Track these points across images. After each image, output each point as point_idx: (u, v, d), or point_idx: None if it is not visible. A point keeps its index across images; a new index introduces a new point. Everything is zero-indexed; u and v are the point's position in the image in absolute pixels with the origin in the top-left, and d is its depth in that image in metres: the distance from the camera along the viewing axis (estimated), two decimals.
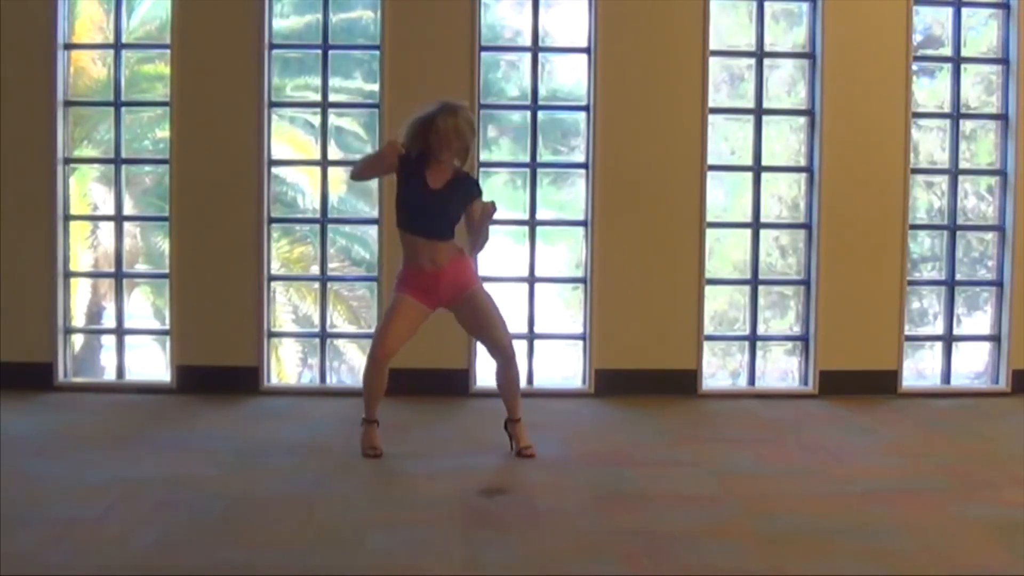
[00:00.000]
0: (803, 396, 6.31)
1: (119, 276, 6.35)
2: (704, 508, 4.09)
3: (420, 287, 4.74)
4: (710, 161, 6.26)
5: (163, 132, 6.27)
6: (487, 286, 4.98)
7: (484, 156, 6.29)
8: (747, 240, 6.43)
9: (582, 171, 6.28)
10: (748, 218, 6.42)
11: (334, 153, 6.38)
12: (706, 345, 6.36)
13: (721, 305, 6.56)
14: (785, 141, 6.54)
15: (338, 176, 6.43)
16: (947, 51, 6.47)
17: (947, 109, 6.47)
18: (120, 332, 6.34)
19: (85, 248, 6.48)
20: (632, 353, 6.25)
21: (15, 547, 3.51)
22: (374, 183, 6.09)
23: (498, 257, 6.37)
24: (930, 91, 6.57)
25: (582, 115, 6.27)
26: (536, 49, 6.27)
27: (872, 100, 6.26)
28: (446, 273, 4.72)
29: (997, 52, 6.46)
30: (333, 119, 6.37)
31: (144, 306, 6.68)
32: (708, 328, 6.38)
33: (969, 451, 5.12)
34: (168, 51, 6.15)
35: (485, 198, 4.78)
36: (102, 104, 6.34)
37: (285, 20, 6.39)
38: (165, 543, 3.62)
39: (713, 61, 6.28)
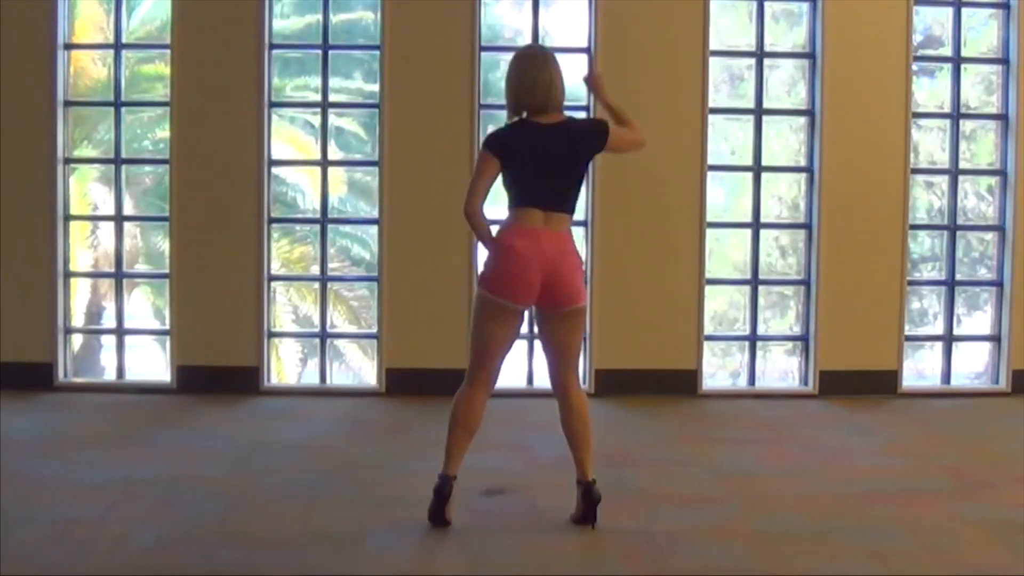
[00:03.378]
0: (803, 396, 6.31)
1: (119, 276, 6.35)
2: (704, 508, 4.09)
3: None
4: (710, 161, 6.27)
5: (163, 132, 6.28)
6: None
7: None
8: (747, 240, 6.43)
9: None
10: (748, 218, 6.42)
11: (334, 153, 6.38)
12: (706, 345, 6.36)
13: (721, 305, 6.57)
14: (785, 141, 6.54)
15: (338, 176, 6.44)
16: (947, 51, 6.47)
17: (947, 109, 6.47)
18: (120, 332, 6.34)
19: (85, 248, 6.49)
20: (632, 353, 6.25)
21: (15, 547, 3.51)
22: (375, 184, 6.09)
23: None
24: (930, 91, 6.57)
25: (582, 115, 6.26)
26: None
27: (872, 100, 6.26)
28: None
29: (997, 52, 6.46)
30: (333, 119, 6.38)
31: (144, 306, 6.69)
32: (708, 328, 6.38)
33: (969, 451, 5.12)
34: (168, 51, 6.16)
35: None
36: (102, 104, 6.34)
37: (285, 20, 6.40)
38: (165, 543, 3.62)
39: (713, 61, 6.28)
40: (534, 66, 3.81)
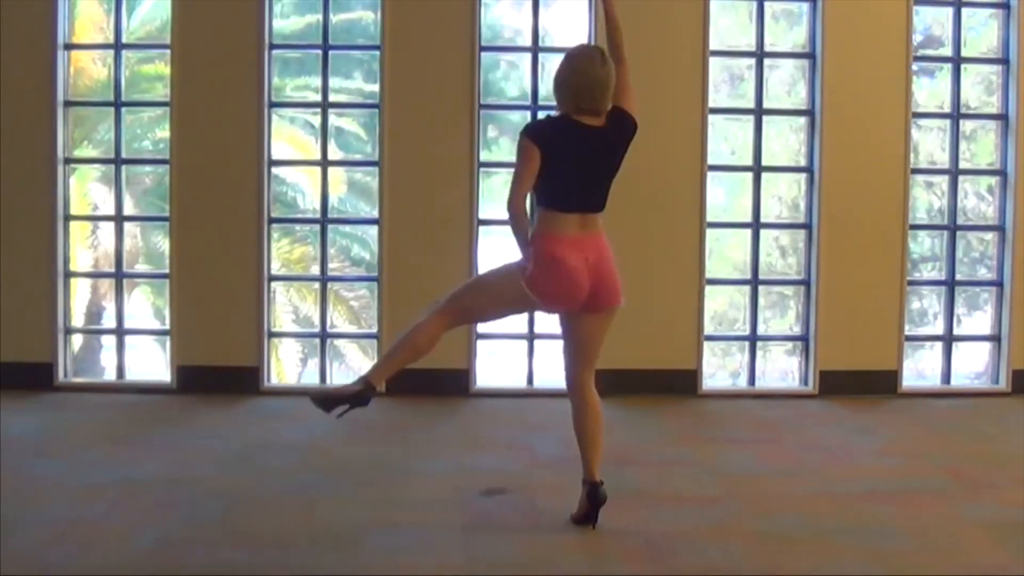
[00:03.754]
0: (803, 396, 6.31)
1: (119, 276, 6.35)
2: (704, 508, 4.09)
3: None
4: (710, 161, 6.26)
5: (163, 132, 6.28)
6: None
7: (484, 156, 6.28)
8: (747, 240, 6.43)
9: None
10: (748, 218, 6.42)
11: (334, 153, 6.38)
12: (706, 345, 6.36)
13: (721, 305, 6.57)
14: (785, 141, 6.54)
15: (338, 176, 6.43)
16: (947, 51, 6.46)
17: (947, 109, 6.47)
18: (120, 332, 6.34)
19: (85, 248, 6.48)
20: (632, 353, 6.24)
21: (15, 547, 3.52)
22: (375, 184, 6.08)
23: (499, 257, 6.38)
24: (930, 91, 6.57)
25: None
26: (536, 49, 6.27)
27: (872, 100, 6.26)
28: None
29: (997, 52, 6.45)
30: (333, 119, 6.37)
31: (144, 306, 6.69)
32: (708, 328, 6.38)
33: (969, 451, 5.12)
34: (168, 51, 6.15)
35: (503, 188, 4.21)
36: (102, 104, 6.34)
37: (285, 20, 6.40)
38: (165, 543, 3.62)
39: (713, 61, 6.28)
40: (592, 66, 3.72)
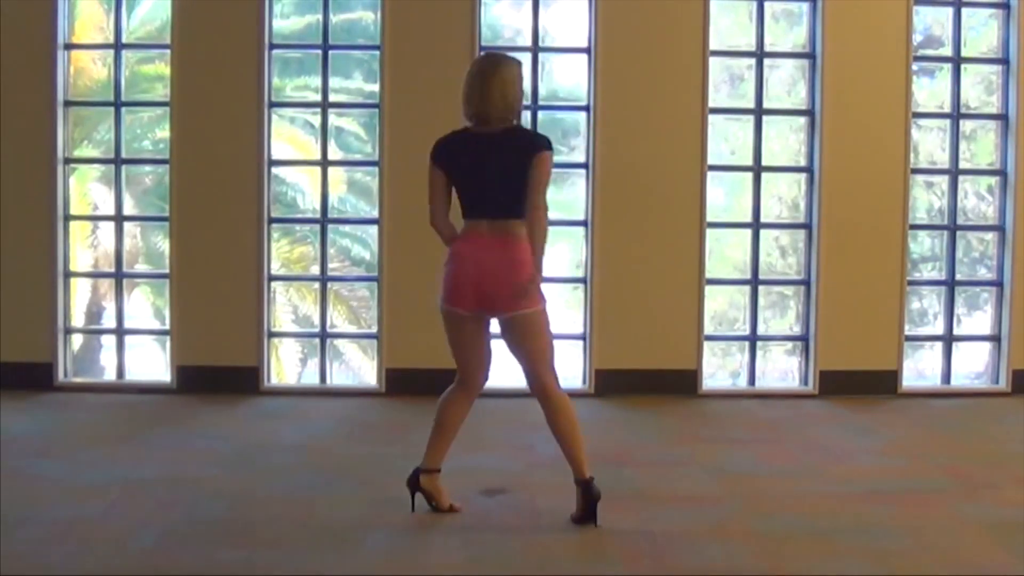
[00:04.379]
0: (803, 396, 6.31)
1: (119, 276, 6.35)
2: (704, 508, 4.09)
3: None
4: (710, 161, 6.26)
5: (163, 132, 6.28)
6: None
7: None
8: (747, 240, 6.43)
9: (582, 171, 6.28)
10: (748, 218, 6.42)
11: (334, 153, 6.38)
12: (706, 345, 6.36)
13: (721, 305, 6.57)
14: (785, 141, 6.54)
15: (338, 176, 6.42)
16: (947, 51, 6.47)
17: (947, 109, 6.47)
18: (120, 332, 6.34)
19: (85, 248, 6.48)
20: (632, 353, 6.25)
21: (15, 547, 3.51)
22: (375, 184, 6.07)
23: None
24: (930, 91, 6.57)
25: (582, 115, 6.26)
26: (536, 49, 6.27)
27: (872, 100, 6.26)
28: None
29: (997, 52, 6.46)
30: (333, 119, 6.37)
31: (144, 306, 6.68)
32: (708, 328, 6.38)
33: (969, 451, 5.12)
34: (168, 51, 6.16)
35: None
36: (102, 104, 6.34)
37: (285, 20, 6.39)
38: (165, 543, 3.61)
39: (713, 61, 6.28)
40: (473, 76, 3.81)
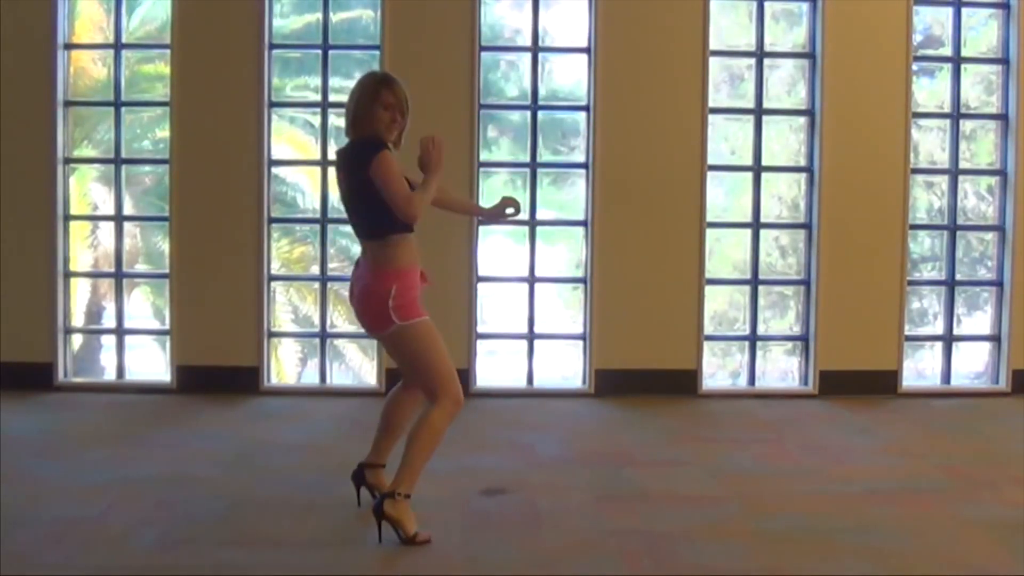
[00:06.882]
0: (803, 396, 6.31)
1: (119, 276, 6.35)
2: (704, 508, 4.09)
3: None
4: (710, 161, 6.27)
5: (163, 132, 6.28)
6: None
7: (484, 156, 6.29)
8: (747, 240, 6.44)
9: (582, 171, 6.28)
10: (748, 218, 6.43)
11: (334, 153, 6.37)
12: (706, 345, 6.36)
13: (721, 305, 6.57)
14: (785, 141, 6.54)
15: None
16: (947, 51, 6.47)
17: (947, 109, 6.48)
18: (120, 332, 6.34)
19: (85, 248, 6.48)
20: (632, 353, 6.26)
21: (15, 547, 3.52)
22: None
23: (498, 257, 6.39)
24: (930, 91, 6.57)
25: (582, 115, 6.27)
26: (536, 49, 6.28)
27: (872, 100, 6.27)
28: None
29: (997, 52, 6.46)
30: (333, 119, 6.37)
31: (144, 306, 6.68)
32: (708, 328, 6.38)
33: (969, 451, 5.12)
34: (168, 51, 6.16)
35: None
36: (102, 104, 6.34)
37: (285, 20, 6.39)
38: (165, 543, 3.62)
39: (713, 61, 6.28)
40: (355, 89, 3.81)
